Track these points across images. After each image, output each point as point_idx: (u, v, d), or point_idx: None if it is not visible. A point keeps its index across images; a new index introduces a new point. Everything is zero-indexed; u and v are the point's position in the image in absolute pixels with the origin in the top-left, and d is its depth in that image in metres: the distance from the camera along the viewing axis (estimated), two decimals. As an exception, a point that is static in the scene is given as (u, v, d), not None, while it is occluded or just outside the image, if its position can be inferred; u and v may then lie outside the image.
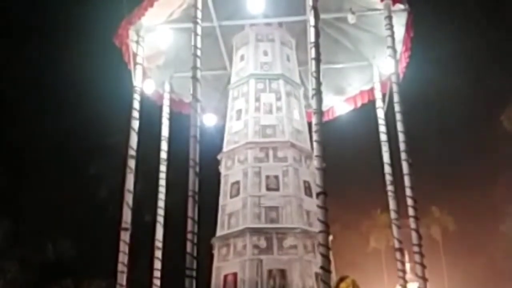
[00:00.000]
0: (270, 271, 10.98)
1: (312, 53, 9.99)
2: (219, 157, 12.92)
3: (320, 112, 9.56)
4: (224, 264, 11.50)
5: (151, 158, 14.20)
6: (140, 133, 12.14)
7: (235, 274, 11.11)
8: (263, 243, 11.24)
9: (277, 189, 11.86)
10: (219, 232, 11.85)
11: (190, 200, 9.38)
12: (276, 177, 11.98)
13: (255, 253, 11.11)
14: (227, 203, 12.07)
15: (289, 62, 13.72)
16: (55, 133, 24.62)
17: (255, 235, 11.25)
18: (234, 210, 11.84)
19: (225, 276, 11.26)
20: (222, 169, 12.72)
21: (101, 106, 24.24)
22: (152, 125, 14.20)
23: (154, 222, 13.50)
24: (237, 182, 12.08)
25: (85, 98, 25.20)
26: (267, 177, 11.96)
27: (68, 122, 25.24)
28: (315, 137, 9.42)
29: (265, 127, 12.60)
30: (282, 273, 10.97)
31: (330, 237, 9.03)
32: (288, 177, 11.99)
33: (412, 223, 10.56)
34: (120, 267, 11.14)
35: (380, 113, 13.84)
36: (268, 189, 11.86)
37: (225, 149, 12.90)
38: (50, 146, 24.84)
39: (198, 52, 10.62)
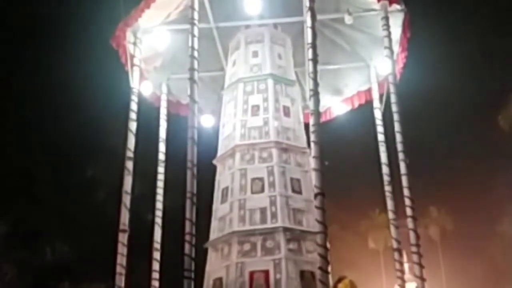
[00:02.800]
0: (302, 272, 10.91)
1: (309, 54, 10.00)
2: (214, 162, 12.96)
3: (317, 113, 9.59)
4: (250, 260, 11.16)
5: (149, 160, 14.18)
6: (137, 135, 12.12)
7: (266, 272, 10.94)
8: (294, 244, 11.17)
9: (300, 192, 11.85)
10: (238, 227, 11.47)
11: (188, 202, 9.35)
12: (298, 180, 12.00)
13: (289, 253, 11.02)
14: (247, 198, 11.79)
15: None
16: (52, 135, 24.59)
17: (288, 235, 11.14)
18: (260, 207, 11.62)
19: (252, 273, 11.03)
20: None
21: (98, 108, 24.26)
22: (150, 127, 14.19)
23: (152, 223, 13.51)
24: (261, 179, 11.90)
25: (82, 100, 25.19)
26: (291, 179, 11.97)
27: (66, 124, 25.22)
28: (312, 137, 9.44)
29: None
30: (312, 275, 10.83)
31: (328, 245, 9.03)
32: (306, 181, 12.01)
33: (410, 223, 10.59)
34: (119, 269, 11.11)
35: (378, 114, 13.85)
36: (293, 191, 11.85)
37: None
38: (48, 149, 24.81)
39: (195, 54, 10.59)
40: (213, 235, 12.04)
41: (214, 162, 12.97)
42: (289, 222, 11.34)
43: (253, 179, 11.93)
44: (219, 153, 12.92)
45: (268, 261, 11.00)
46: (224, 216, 11.90)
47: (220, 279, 11.34)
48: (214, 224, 12.17)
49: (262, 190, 11.77)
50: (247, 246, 11.29)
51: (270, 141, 12.24)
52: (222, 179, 12.53)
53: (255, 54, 13.49)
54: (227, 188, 12.16)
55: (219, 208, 12.22)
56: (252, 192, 11.80)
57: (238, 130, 12.65)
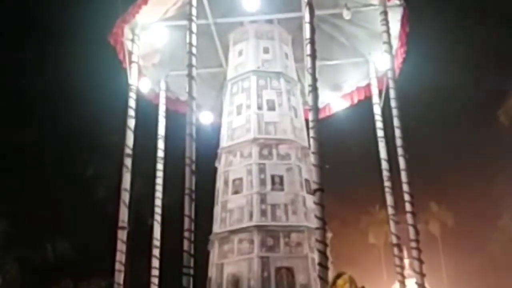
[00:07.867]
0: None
1: (308, 49, 9.96)
2: (219, 151, 12.91)
3: (316, 109, 9.55)
4: (274, 255, 11.39)
5: (148, 157, 14.16)
6: (136, 132, 12.09)
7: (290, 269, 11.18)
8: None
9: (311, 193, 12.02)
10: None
11: (187, 198, 9.36)
12: (308, 181, 12.06)
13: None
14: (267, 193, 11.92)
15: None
16: (52, 133, 24.56)
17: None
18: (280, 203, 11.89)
19: (278, 269, 11.22)
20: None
21: (97, 105, 24.20)
22: (149, 124, 14.16)
23: (152, 220, 13.48)
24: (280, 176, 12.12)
25: (81, 97, 25.13)
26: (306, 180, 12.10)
27: (64, 122, 25.18)
28: (311, 133, 9.42)
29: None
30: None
31: (330, 235, 9.06)
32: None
33: (409, 218, 10.56)
34: (118, 266, 11.12)
35: (377, 109, 13.83)
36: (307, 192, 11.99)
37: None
38: (47, 146, 24.77)
39: (194, 50, 10.57)
40: (222, 226, 12.01)
41: (219, 150, 12.93)
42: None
43: (272, 176, 12.07)
44: (227, 142, 12.89)
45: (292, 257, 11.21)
46: (241, 207, 11.89)
47: (236, 273, 11.38)
48: (223, 215, 12.13)
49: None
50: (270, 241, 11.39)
51: (288, 139, 12.44)
52: (232, 170, 12.47)
53: (266, 50, 13.63)
54: (240, 179, 12.18)
55: (229, 199, 12.19)
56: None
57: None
